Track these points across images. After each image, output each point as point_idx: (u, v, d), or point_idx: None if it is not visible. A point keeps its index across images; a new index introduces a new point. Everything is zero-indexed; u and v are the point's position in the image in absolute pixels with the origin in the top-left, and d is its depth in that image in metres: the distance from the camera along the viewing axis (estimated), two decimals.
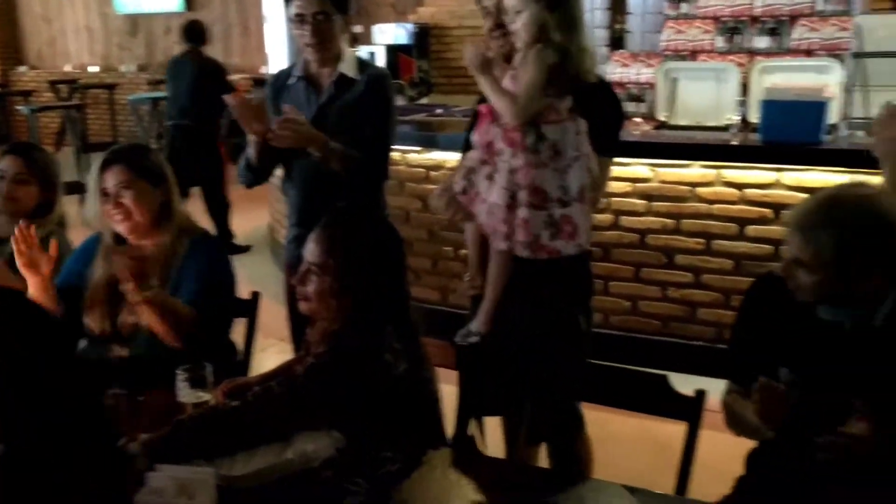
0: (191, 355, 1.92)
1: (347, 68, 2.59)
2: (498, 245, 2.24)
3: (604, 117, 2.32)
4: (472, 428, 2.12)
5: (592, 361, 2.22)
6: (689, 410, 1.90)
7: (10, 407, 1.58)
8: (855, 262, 1.62)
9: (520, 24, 2.18)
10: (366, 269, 1.77)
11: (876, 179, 2.23)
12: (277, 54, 7.88)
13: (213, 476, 1.50)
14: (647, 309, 4.00)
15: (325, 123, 2.52)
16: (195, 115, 6.13)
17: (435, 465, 1.68)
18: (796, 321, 1.76)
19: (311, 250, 1.80)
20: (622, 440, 3.16)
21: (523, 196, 2.17)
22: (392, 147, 2.67)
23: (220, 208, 6.29)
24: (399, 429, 1.72)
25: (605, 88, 2.40)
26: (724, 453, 1.96)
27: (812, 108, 3.57)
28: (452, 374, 2.11)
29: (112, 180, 2.27)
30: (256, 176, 2.65)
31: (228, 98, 2.55)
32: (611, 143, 2.40)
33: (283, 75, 2.73)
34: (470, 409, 2.11)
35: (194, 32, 6.23)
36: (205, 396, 1.85)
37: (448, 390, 1.95)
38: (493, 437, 2.34)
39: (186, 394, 1.84)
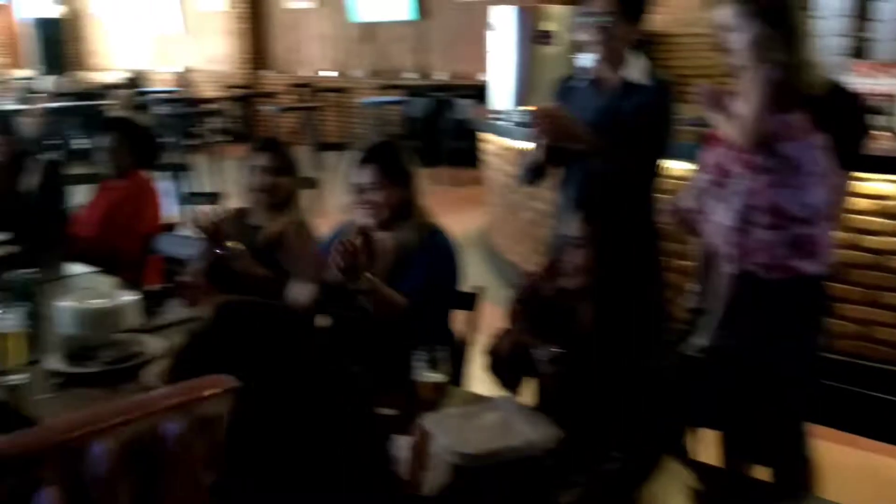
0: (404, 337, 2.13)
1: (635, 73, 2.69)
2: (726, 267, 2.23)
3: (842, 129, 2.22)
4: (688, 439, 2.13)
5: (826, 383, 2.15)
6: None
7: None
8: None
9: (740, 43, 2.16)
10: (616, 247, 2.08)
11: None
12: (497, 61, 8.10)
13: (449, 451, 1.63)
14: (880, 335, 3.76)
15: (607, 125, 2.63)
16: None
17: (675, 475, 1.72)
18: None
19: (574, 227, 2.12)
20: (842, 471, 2.99)
21: (762, 218, 2.15)
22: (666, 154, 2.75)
23: None
24: (631, 429, 1.77)
25: (845, 98, 2.29)
26: None
27: None
28: None
29: (366, 178, 2.49)
30: (537, 175, 2.83)
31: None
32: (849, 157, 2.28)
33: (570, 78, 2.88)
34: (688, 419, 2.12)
35: None
36: (437, 377, 2.00)
37: None
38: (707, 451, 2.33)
39: (421, 373, 2.00)
